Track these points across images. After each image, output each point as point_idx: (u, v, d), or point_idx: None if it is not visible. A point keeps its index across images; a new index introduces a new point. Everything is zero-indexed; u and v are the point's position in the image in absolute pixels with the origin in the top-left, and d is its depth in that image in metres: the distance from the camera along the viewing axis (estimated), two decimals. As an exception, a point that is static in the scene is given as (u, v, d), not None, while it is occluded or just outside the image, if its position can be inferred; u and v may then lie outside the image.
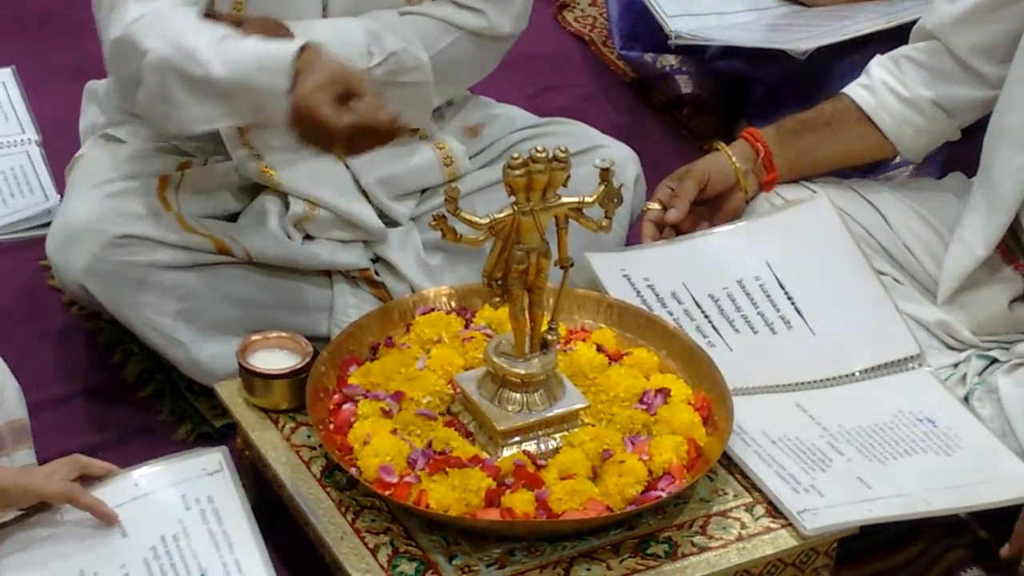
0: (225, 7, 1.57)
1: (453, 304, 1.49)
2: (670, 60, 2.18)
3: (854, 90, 1.65)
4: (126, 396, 1.64)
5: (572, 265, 1.28)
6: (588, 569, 1.24)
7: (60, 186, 1.83)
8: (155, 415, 1.61)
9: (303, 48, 1.35)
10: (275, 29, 1.52)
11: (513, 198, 1.20)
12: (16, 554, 1.29)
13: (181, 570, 1.28)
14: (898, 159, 1.76)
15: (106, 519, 1.29)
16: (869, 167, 1.76)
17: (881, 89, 1.62)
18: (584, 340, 1.42)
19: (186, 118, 1.45)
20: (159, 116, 1.50)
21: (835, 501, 1.28)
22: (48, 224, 1.65)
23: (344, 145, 1.37)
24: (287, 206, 1.59)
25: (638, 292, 1.51)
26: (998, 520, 1.38)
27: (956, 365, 1.50)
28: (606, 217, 1.26)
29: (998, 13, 1.52)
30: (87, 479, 1.32)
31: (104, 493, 1.32)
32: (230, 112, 1.44)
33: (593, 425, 1.31)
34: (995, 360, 1.49)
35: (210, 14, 1.53)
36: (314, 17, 1.57)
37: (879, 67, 1.63)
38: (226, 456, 1.39)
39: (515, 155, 1.18)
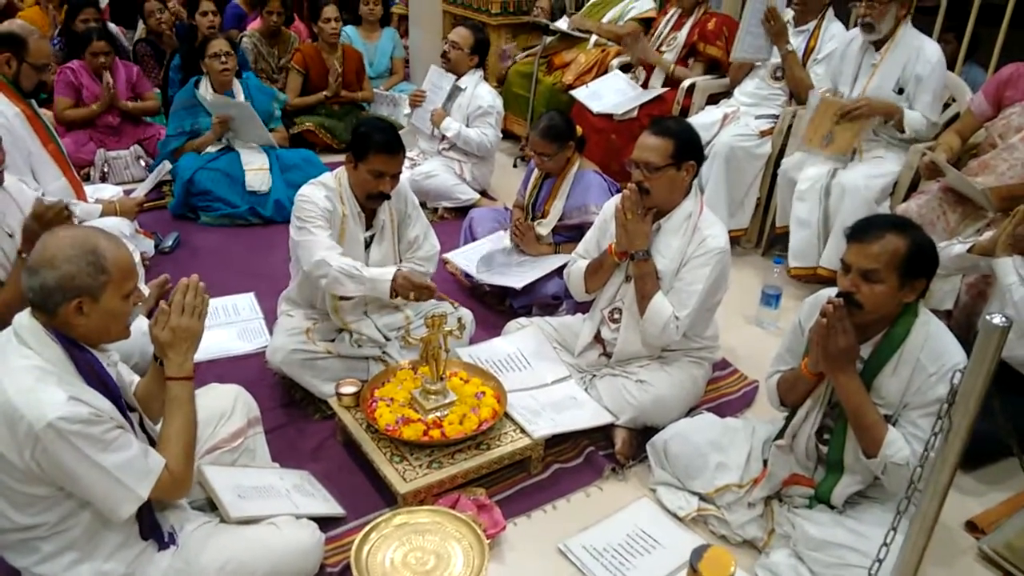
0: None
1: (410, 367, 2.48)
2: (483, 285, 3.32)
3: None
4: (295, 406, 2.61)
5: (449, 351, 2.33)
6: (460, 453, 2.19)
7: (270, 332, 2.85)
8: (306, 411, 2.60)
9: (396, 273, 2.32)
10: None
11: (427, 329, 2.25)
12: (216, 465, 1.85)
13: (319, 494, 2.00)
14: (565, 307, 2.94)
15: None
16: (553, 310, 2.97)
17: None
18: (454, 375, 2.44)
19: (343, 290, 2.37)
20: (330, 289, 2.39)
21: (543, 426, 2.32)
22: (266, 347, 2.72)
23: (411, 295, 2.25)
24: (351, 334, 2.61)
25: (474, 360, 2.56)
26: (606, 430, 2.40)
27: (583, 378, 2.57)
28: (461, 335, 2.51)
29: (600, 243, 2.50)
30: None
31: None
32: (362, 290, 2.33)
33: (459, 405, 2.30)
34: (594, 375, 2.57)
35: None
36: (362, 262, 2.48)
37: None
38: (310, 476, 2.14)
39: (429, 315, 2.28)
